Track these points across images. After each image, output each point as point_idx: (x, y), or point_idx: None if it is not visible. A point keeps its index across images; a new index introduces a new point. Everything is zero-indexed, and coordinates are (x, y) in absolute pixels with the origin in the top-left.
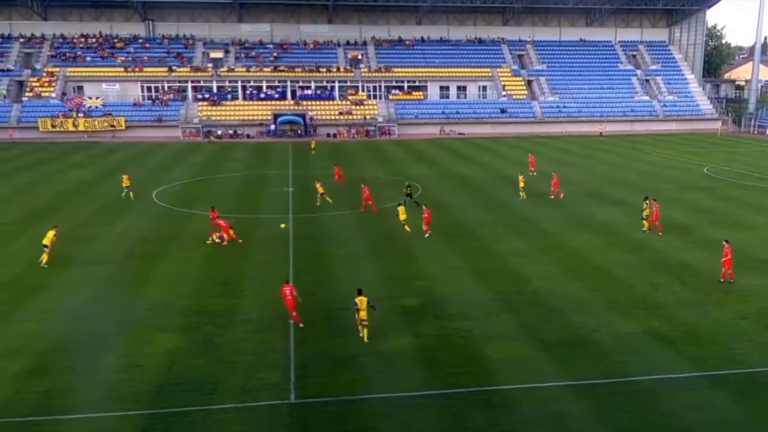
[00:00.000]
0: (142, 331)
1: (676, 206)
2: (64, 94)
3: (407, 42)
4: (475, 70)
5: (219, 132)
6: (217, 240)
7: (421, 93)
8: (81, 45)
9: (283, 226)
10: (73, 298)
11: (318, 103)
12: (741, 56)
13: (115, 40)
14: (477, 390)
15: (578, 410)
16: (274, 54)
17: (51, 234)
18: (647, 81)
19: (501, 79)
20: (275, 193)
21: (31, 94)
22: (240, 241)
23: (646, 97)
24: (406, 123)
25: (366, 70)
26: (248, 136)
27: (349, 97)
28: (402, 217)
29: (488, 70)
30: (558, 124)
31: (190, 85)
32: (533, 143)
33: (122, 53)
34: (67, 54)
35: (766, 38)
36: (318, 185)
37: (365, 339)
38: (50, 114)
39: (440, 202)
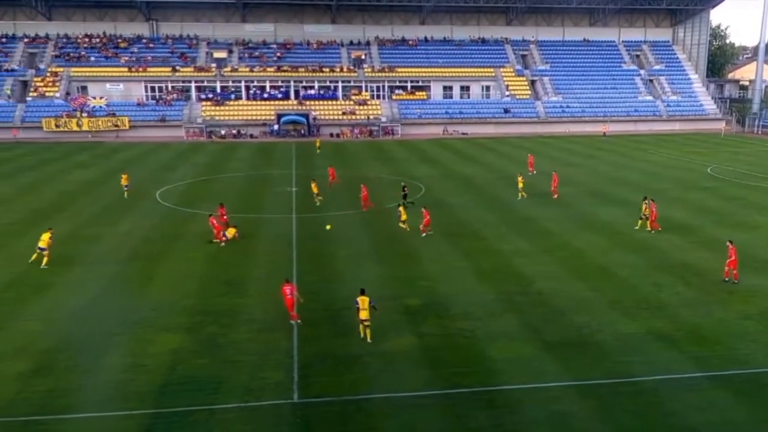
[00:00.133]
0: (146, 331)
1: (680, 206)
2: (68, 94)
3: (410, 42)
4: (479, 70)
5: (222, 132)
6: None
7: (424, 93)
8: (85, 45)
9: (329, 227)
10: (77, 298)
11: (321, 103)
12: (745, 56)
13: (119, 40)
14: (480, 390)
15: (581, 410)
16: (278, 54)
17: (46, 236)
18: (651, 81)
19: (504, 79)
20: (278, 193)
21: (35, 94)
22: (223, 243)
23: (650, 97)
24: (410, 123)
25: (369, 70)
26: (252, 136)
27: (353, 97)
28: (403, 217)
29: (491, 70)
30: (561, 124)
31: (193, 85)
32: (536, 143)
33: (126, 53)
34: (71, 54)
35: None
36: (313, 185)
37: (368, 339)
38: (54, 114)
39: (443, 202)
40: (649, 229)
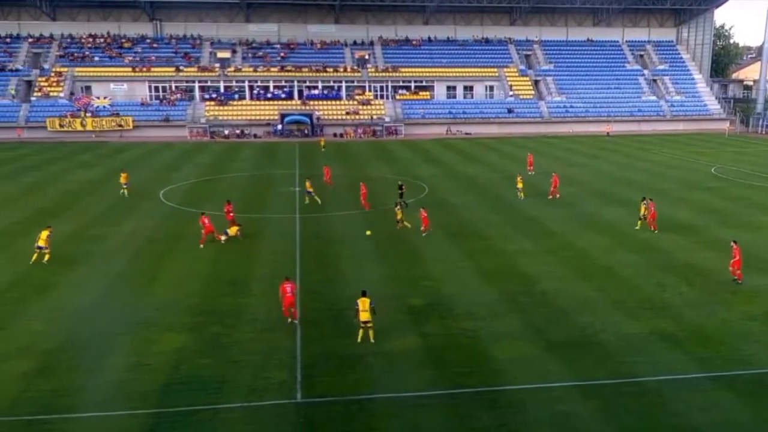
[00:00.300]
0: (150, 331)
1: (684, 206)
2: (72, 93)
3: (414, 42)
4: (482, 70)
5: (226, 132)
6: (224, 238)
7: (427, 93)
8: (89, 45)
9: (369, 233)
10: (81, 298)
11: (325, 102)
12: (749, 56)
13: (123, 40)
14: (483, 390)
15: (585, 411)
16: (281, 54)
17: (44, 234)
18: (654, 81)
19: (508, 79)
20: (282, 193)
21: (39, 94)
22: (222, 240)
23: (654, 97)
24: (413, 123)
25: (373, 69)
26: (255, 135)
27: (356, 97)
28: (398, 216)
29: (495, 70)
30: (565, 124)
31: (197, 84)
32: (540, 143)
33: (130, 53)
34: (75, 54)
35: None
36: (308, 184)
37: (371, 339)
38: (58, 114)
39: (447, 202)
40: (652, 229)
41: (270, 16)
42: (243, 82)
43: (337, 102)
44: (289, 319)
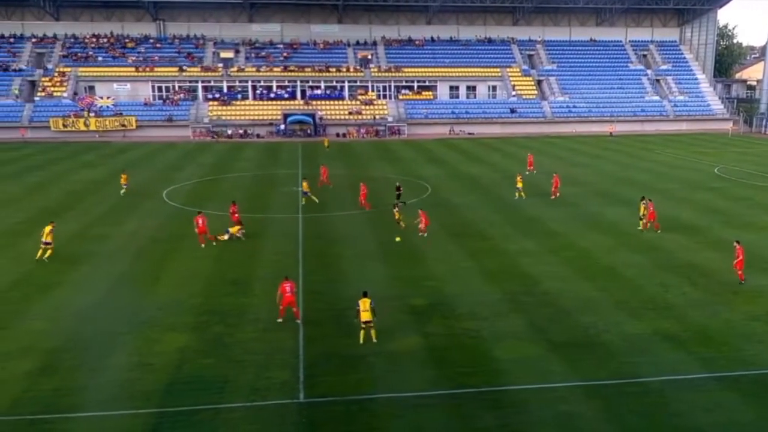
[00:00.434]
0: (152, 330)
1: (687, 206)
2: (75, 93)
3: (417, 42)
4: (485, 70)
5: (229, 132)
6: (225, 237)
7: (430, 93)
8: (92, 45)
9: (398, 239)
10: (84, 297)
11: (328, 102)
12: (752, 56)
13: (126, 40)
14: (486, 390)
15: (588, 411)
16: (284, 54)
17: (47, 229)
18: (658, 81)
19: (511, 79)
20: (285, 193)
21: (42, 94)
22: (214, 242)
23: (657, 97)
24: (416, 123)
25: (376, 69)
26: (258, 135)
27: (359, 97)
28: (396, 216)
29: (498, 70)
30: (568, 124)
31: (200, 84)
32: (543, 143)
33: (133, 53)
34: (79, 54)
35: None
36: (305, 184)
37: (374, 339)
38: (62, 114)
39: (449, 202)
40: (655, 229)
41: (273, 16)
42: (246, 82)
43: (340, 102)
44: (280, 319)
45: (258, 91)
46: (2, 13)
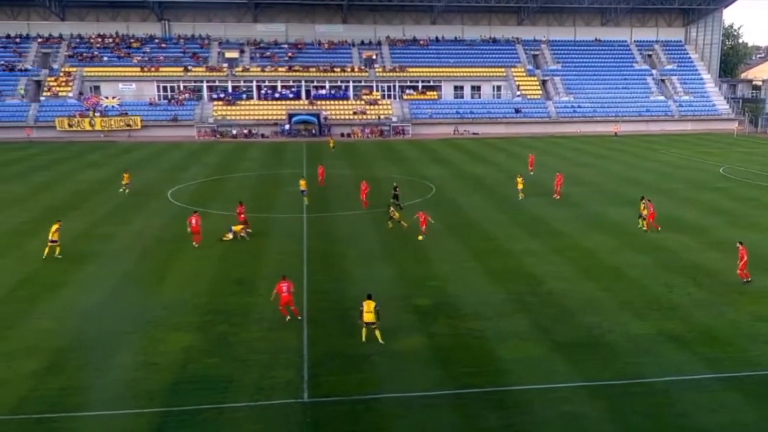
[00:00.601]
0: (157, 330)
1: (692, 207)
2: (81, 93)
3: (422, 42)
4: (490, 69)
5: (234, 132)
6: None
7: (435, 93)
8: (98, 45)
9: (420, 238)
10: (89, 296)
11: (332, 102)
12: (758, 56)
13: (132, 40)
14: (490, 390)
15: (592, 411)
16: (289, 54)
17: (54, 228)
18: (663, 81)
19: (515, 79)
20: (289, 193)
21: (48, 94)
22: (195, 245)
23: (662, 97)
24: (421, 123)
25: (380, 69)
26: (263, 135)
27: (364, 97)
28: (396, 216)
29: (503, 69)
30: (572, 124)
31: (205, 84)
32: (548, 143)
33: (138, 53)
34: (84, 54)
35: None
36: (302, 183)
37: (380, 340)
38: (67, 113)
39: (454, 201)
40: (656, 228)
41: (278, 16)
42: (251, 82)
43: (345, 102)
44: (288, 317)
45: (263, 91)
46: (8, 13)
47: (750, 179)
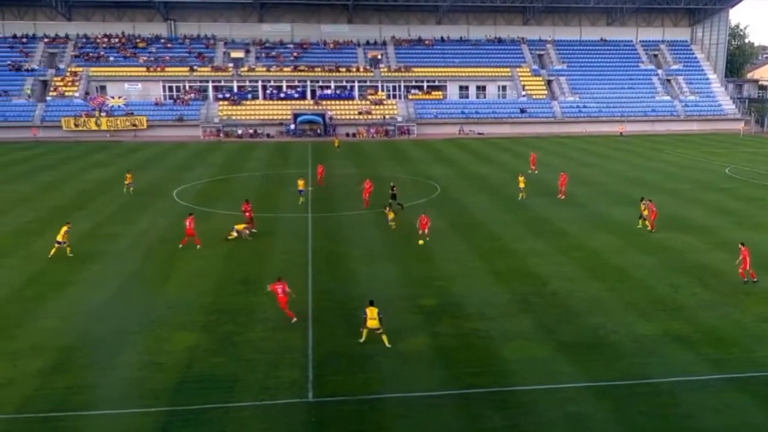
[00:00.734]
0: (163, 329)
1: (697, 207)
2: (87, 93)
3: (427, 42)
4: (495, 69)
5: (239, 131)
6: (234, 235)
7: (440, 93)
8: (104, 45)
9: (421, 243)
10: (95, 296)
11: (338, 102)
12: (764, 56)
13: (138, 40)
14: (495, 391)
15: (597, 411)
16: (295, 54)
17: (63, 230)
18: (668, 81)
19: (521, 78)
20: (294, 193)
21: (54, 94)
22: (198, 246)
23: (668, 97)
24: (426, 123)
25: (386, 69)
26: (268, 135)
27: (369, 97)
28: (390, 216)
29: (508, 69)
30: (578, 124)
31: (211, 84)
32: (553, 143)
33: (144, 53)
34: (91, 54)
35: None
36: (300, 183)
37: (387, 344)
38: (73, 113)
39: (459, 201)
40: (649, 228)
41: (283, 16)
42: (256, 81)
43: (350, 102)
44: (294, 319)
45: (268, 91)
46: (15, 13)
47: (756, 179)
